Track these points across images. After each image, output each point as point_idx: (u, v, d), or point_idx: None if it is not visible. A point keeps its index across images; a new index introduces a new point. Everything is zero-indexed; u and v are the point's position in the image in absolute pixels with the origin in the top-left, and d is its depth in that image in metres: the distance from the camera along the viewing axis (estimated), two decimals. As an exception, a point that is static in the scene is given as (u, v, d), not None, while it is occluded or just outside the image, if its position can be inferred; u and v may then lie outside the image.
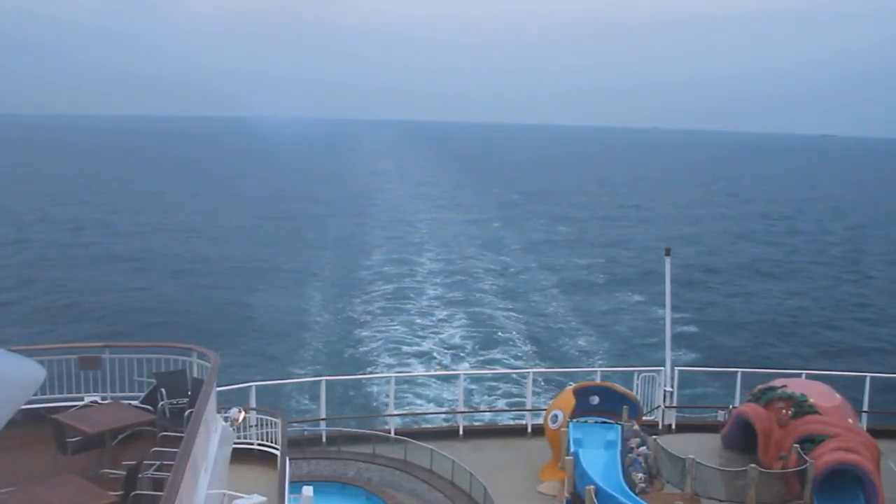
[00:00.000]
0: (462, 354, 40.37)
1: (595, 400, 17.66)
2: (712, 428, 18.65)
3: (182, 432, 9.58)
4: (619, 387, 18.10)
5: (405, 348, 41.13)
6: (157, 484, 9.41)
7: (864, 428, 17.18)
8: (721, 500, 14.67)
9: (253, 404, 16.46)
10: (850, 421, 15.93)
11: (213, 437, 11.38)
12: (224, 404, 13.64)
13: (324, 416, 18.67)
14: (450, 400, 31.05)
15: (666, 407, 19.70)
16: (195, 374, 12.78)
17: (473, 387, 32.69)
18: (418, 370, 36.85)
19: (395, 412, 19.93)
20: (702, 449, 16.41)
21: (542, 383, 30.77)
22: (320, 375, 24.20)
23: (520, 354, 40.53)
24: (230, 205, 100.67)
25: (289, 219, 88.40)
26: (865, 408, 19.32)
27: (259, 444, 13.81)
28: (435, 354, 40.41)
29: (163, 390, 12.39)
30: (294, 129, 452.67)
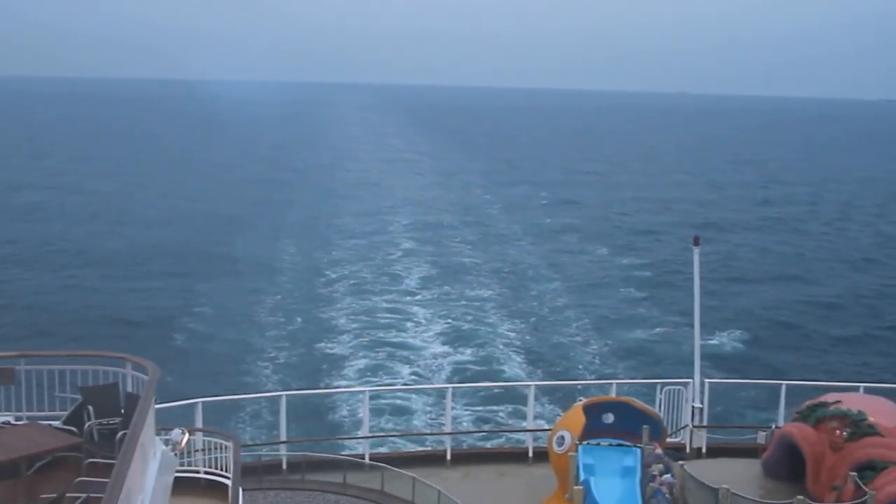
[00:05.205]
0: (450, 364, 40.38)
1: (609, 418, 17.72)
2: (751, 452, 18.75)
3: (114, 459, 9.54)
4: (638, 402, 18.14)
5: (381, 356, 41.14)
6: (83, 521, 9.36)
7: None
8: (761, 539, 14.74)
9: (199, 425, 16.50)
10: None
11: (151, 464, 11.34)
12: (164, 424, 13.57)
13: (284, 438, 18.76)
14: (435, 419, 31.13)
15: (695, 427, 19.79)
16: (129, 389, 12.74)
17: (463, 403, 32.76)
18: (397, 383, 36.90)
19: (370, 434, 20.00)
20: (738, 477, 16.48)
21: (546, 398, 30.84)
22: (280, 389, 24.14)
23: (520, 363, 40.63)
24: (171, 182, 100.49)
25: (243, 199, 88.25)
26: None
27: (206, 472, 13.81)
28: (418, 364, 40.42)
29: (90, 408, 12.34)
30: (249, 94, 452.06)
